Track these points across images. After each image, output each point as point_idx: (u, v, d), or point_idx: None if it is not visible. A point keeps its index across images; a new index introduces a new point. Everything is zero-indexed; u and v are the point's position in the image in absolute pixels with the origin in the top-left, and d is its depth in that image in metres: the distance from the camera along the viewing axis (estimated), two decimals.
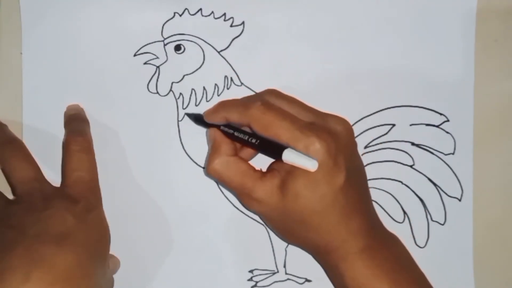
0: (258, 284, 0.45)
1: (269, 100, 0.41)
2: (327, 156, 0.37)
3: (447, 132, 0.45)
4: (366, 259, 0.39)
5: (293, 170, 0.38)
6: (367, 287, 0.39)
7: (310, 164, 0.37)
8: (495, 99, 0.45)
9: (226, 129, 0.41)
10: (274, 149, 0.38)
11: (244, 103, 0.41)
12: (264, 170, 0.41)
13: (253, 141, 0.39)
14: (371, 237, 0.40)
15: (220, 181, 0.41)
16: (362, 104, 0.45)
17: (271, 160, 0.41)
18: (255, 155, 0.43)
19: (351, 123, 0.45)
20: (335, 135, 0.39)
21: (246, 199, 0.40)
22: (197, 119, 0.44)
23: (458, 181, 0.45)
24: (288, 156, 0.37)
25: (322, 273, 0.45)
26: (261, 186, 0.39)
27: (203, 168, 0.45)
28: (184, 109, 0.45)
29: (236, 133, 0.40)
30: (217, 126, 0.42)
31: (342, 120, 0.40)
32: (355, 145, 0.41)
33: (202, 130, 0.45)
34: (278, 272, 0.45)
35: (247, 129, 0.41)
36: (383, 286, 0.38)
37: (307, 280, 0.45)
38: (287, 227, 0.40)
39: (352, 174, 0.39)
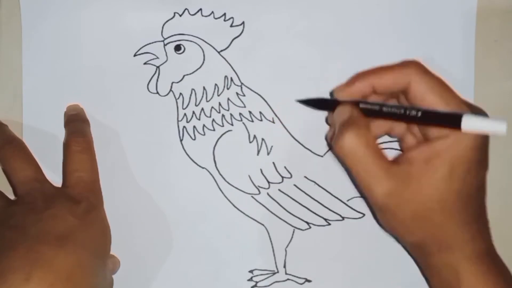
0: (258, 284, 0.45)
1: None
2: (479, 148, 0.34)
3: None
4: (485, 263, 0.37)
5: (433, 161, 0.34)
6: None
7: (499, 127, 0.30)
8: (495, 99, 0.45)
9: (368, 105, 0.34)
10: (447, 117, 0.31)
11: (397, 64, 0.36)
12: None
13: (414, 113, 0.32)
14: (489, 243, 0.38)
15: (351, 157, 0.35)
16: None
17: None
18: None
19: None
20: None
21: (374, 184, 0.35)
22: (318, 103, 0.39)
23: None
24: (470, 122, 0.31)
25: (322, 273, 0.45)
26: (396, 173, 0.35)
27: (327, 143, 0.42)
28: (184, 109, 0.45)
29: (385, 108, 0.33)
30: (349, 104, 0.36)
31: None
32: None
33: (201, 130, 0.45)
34: (278, 272, 0.45)
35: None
36: None
37: (307, 280, 0.45)
38: (407, 221, 0.36)
39: (486, 174, 0.37)
